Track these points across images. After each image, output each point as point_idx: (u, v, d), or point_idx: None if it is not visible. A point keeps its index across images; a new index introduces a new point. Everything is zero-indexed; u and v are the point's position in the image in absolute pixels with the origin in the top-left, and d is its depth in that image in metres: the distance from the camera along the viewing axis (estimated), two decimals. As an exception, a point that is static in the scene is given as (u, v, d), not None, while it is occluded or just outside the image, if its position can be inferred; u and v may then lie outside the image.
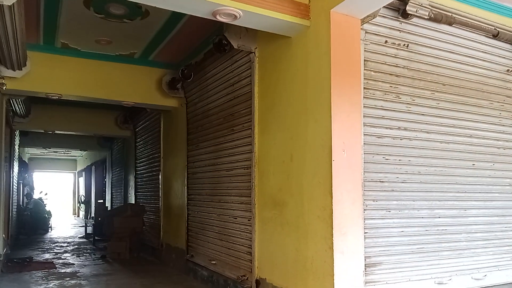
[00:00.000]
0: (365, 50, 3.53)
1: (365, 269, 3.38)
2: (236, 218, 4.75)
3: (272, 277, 4.00)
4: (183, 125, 6.35)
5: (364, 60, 3.51)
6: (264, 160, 4.21)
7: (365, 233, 3.41)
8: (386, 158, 3.63)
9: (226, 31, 4.17)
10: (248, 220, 4.45)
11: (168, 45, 5.77)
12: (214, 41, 4.59)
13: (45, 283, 5.79)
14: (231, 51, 4.66)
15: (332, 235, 3.17)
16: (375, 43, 3.63)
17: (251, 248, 4.36)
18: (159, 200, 7.58)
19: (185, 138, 6.27)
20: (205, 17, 3.44)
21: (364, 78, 3.49)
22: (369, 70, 3.56)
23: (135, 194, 9.44)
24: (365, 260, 3.38)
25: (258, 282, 4.21)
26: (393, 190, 3.67)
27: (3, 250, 6.61)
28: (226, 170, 5.02)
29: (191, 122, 6.13)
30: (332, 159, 3.18)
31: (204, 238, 5.63)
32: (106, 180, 13.41)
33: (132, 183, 9.73)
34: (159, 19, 4.95)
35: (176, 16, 4.80)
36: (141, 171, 9.07)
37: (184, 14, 4.58)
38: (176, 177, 6.76)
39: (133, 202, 9.39)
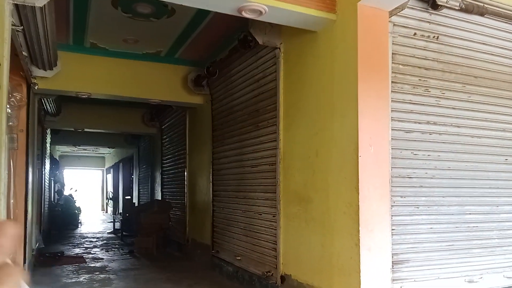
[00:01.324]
0: (393, 43, 3.45)
1: (392, 266, 3.32)
2: (261, 214, 4.76)
3: (297, 273, 3.99)
4: (208, 122, 6.41)
5: (392, 53, 3.44)
6: (289, 156, 4.19)
7: (392, 229, 3.34)
8: (415, 153, 3.55)
9: (251, 27, 4.17)
10: (273, 216, 4.44)
11: (194, 43, 5.82)
12: (239, 38, 4.60)
13: (75, 277, 5.96)
14: (256, 47, 4.66)
15: (358, 231, 3.13)
16: (404, 36, 3.54)
17: (276, 244, 4.36)
18: (184, 197, 7.68)
19: (210, 134, 6.32)
20: (231, 14, 3.45)
21: (392, 72, 3.42)
22: (397, 63, 3.49)
23: (161, 190, 9.59)
24: (392, 257, 3.32)
25: (283, 278, 4.21)
26: (421, 186, 3.58)
27: (36, 244, 6.84)
28: (251, 167, 5.03)
29: (216, 119, 6.18)
30: (359, 155, 3.14)
31: (229, 234, 5.67)
32: (133, 176, 13.66)
33: (158, 180, 9.89)
34: (185, 17, 5.00)
35: (201, 14, 4.84)
36: (167, 168, 9.20)
37: (209, 11, 4.61)
38: (201, 174, 6.83)
39: (160, 198, 9.54)
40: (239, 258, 5.25)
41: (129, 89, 6.38)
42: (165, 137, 9.48)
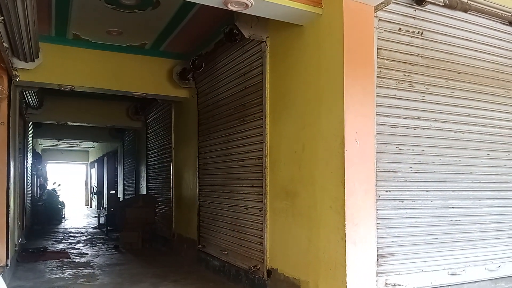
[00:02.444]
0: (378, 38, 3.47)
1: (378, 259, 3.37)
2: (247, 209, 4.76)
3: (284, 267, 4.00)
4: (194, 116, 6.36)
5: (378, 48, 3.46)
6: (275, 150, 4.19)
7: (377, 223, 3.38)
8: (400, 148, 3.59)
9: (237, 20, 4.14)
10: (260, 211, 4.45)
11: (179, 36, 5.75)
12: (225, 31, 4.56)
13: (60, 273, 5.89)
14: (242, 41, 4.62)
15: (344, 225, 3.16)
16: (389, 31, 3.56)
17: (262, 238, 4.37)
18: (170, 191, 7.63)
19: (196, 129, 6.28)
20: (216, 6, 3.42)
21: (377, 67, 3.43)
22: (383, 58, 3.51)
23: (146, 185, 9.51)
24: (377, 250, 3.36)
25: (269, 272, 4.22)
26: (406, 180, 3.63)
27: (19, 240, 6.72)
28: (237, 161, 5.02)
29: (202, 113, 6.13)
30: (345, 149, 3.16)
31: (215, 229, 5.66)
32: (118, 171, 13.53)
33: (143, 174, 9.81)
34: (170, 9, 4.93)
35: (186, 6, 4.77)
36: (153, 162, 9.13)
37: (195, 4, 4.54)
38: (187, 168, 6.79)
39: (145, 193, 9.47)
40: (225, 252, 5.24)
41: (113, 82, 6.29)
42: (150, 131, 9.39)
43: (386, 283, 3.44)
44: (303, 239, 3.67)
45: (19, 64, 5.28)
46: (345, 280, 3.14)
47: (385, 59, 3.53)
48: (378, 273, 3.37)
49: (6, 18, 3.80)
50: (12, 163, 5.52)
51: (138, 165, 10.57)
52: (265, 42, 4.31)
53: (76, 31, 5.65)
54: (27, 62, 5.30)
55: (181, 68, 6.31)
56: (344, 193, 3.15)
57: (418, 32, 3.71)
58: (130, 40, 5.98)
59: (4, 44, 4.39)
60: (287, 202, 3.95)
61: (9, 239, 5.23)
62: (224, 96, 5.39)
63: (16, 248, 6.35)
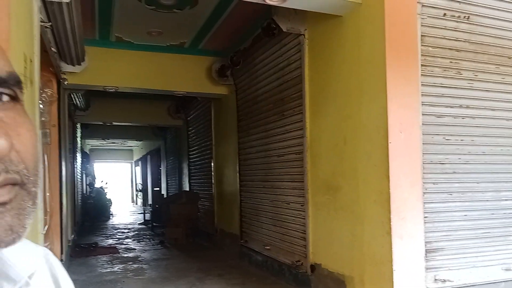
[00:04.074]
0: (421, 25, 3.33)
1: (426, 254, 3.25)
2: (289, 204, 4.74)
3: (328, 262, 3.96)
4: (233, 112, 6.41)
5: (421, 35, 3.32)
6: (316, 144, 4.14)
7: (425, 217, 3.27)
8: (447, 138, 3.44)
9: (275, 15, 4.12)
10: (301, 206, 4.42)
11: (217, 33, 5.81)
12: (262, 26, 4.55)
13: (110, 267, 6.13)
14: (280, 35, 4.60)
15: (389, 219, 3.07)
16: (433, 17, 3.41)
17: (305, 233, 4.34)
18: (212, 187, 7.75)
19: (236, 125, 6.32)
20: (254, 1, 3.41)
21: (421, 55, 3.30)
22: (427, 45, 3.36)
23: (189, 181, 9.71)
24: (425, 245, 3.24)
25: (313, 267, 4.19)
26: (454, 172, 3.47)
27: (72, 236, 7.06)
28: (278, 156, 5.01)
29: (241, 109, 6.17)
30: (389, 141, 3.07)
31: (257, 224, 5.69)
32: (161, 168, 13.89)
33: (186, 171, 10.01)
34: (208, 7, 4.99)
35: (224, 3, 4.81)
36: (194, 159, 9.30)
37: (232, 0, 4.58)
38: (228, 164, 6.86)
39: (188, 189, 9.67)
40: (268, 247, 5.26)
41: (154, 81, 6.44)
42: (191, 128, 9.56)
43: (435, 279, 3.32)
44: (347, 233, 3.61)
45: (66, 67, 5.51)
46: (392, 275, 3.06)
47: (430, 46, 3.39)
48: (427, 269, 3.26)
49: (53, 24, 3.97)
50: (63, 163, 5.79)
51: (180, 163, 10.81)
52: (304, 35, 4.26)
53: (118, 34, 5.84)
54: (74, 66, 5.52)
55: (220, 65, 6.37)
56: (389, 186, 3.06)
57: (464, 16, 3.52)
58: (169, 39, 6.11)
59: (53, 49, 4.60)
60: (329, 197, 3.90)
61: (63, 235, 5.50)
62: (263, 91, 5.39)
63: (70, 244, 6.67)
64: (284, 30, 4.20)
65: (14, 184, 0.38)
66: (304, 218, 4.36)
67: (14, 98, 0.41)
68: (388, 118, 3.07)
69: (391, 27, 3.12)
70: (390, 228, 3.06)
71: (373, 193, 3.24)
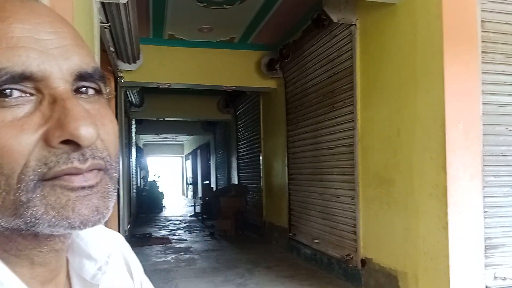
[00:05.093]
0: (482, 10, 3.16)
1: (485, 251, 3.10)
2: (338, 197, 4.69)
3: (379, 256, 3.88)
4: (282, 106, 6.41)
5: (481, 21, 3.15)
6: (367, 136, 4.06)
7: (484, 212, 3.11)
8: (510, 129, 3.25)
9: (325, 5, 4.07)
10: (352, 199, 4.36)
11: (266, 27, 5.83)
12: (312, 17, 4.51)
13: (164, 257, 6.37)
14: (330, 26, 4.53)
15: (446, 214, 2.96)
16: (494, 1, 3.22)
17: (355, 227, 4.28)
18: (260, 180, 7.81)
19: (284, 118, 6.33)
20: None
21: (481, 41, 3.14)
22: (488, 31, 3.19)
23: (237, 175, 9.85)
24: (485, 241, 3.09)
25: (363, 261, 4.13)
26: (518, 165, 3.28)
27: (127, 226, 7.41)
28: (327, 149, 4.96)
29: (290, 102, 6.16)
30: (446, 132, 2.95)
31: (306, 217, 5.68)
32: (211, 162, 14.18)
33: (234, 165, 10.16)
34: (258, 1, 5.01)
35: (273, -4, 4.81)
36: (243, 153, 9.41)
37: (281, -7, 4.57)
38: (276, 157, 6.89)
39: (236, 182, 9.81)
40: (317, 241, 5.24)
41: (205, 77, 6.58)
42: (239, 122, 9.68)
43: (495, 277, 3.16)
44: (400, 228, 3.52)
45: (123, 66, 5.77)
46: (448, 271, 2.96)
47: (491, 32, 3.21)
48: (486, 266, 3.11)
49: (111, 24, 4.17)
50: (120, 157, 6.06)
51: (229, 156, 10.98)
52: (355, 25, 4.17)
53: (171, 31, 6.02)
54: (130, 64, 5.77)
55: (269, 59, 6.38)
56: (446, 179, 2.95)
57: (530, -1, 3.30)
58: (220, 35, 6.20)
59: (111, 48, 4.83)
60: (381, 190, 3.82)
61: (120, 226, 5.79)
62: (312, 83, 5.35)
63: (126, 234, 6.99)
64: (335, 20, 4.14)
65: (99, 169, 0.41)
66: (354, 212, 4.30)
67: (99, 92, 0.44)
68: (446, 108, 2.95)
69: (448, 13, 2.99)
70: (446, 222, 2.95)
71: (429, 186, 3.13)
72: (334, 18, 4.09)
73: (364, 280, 4.13)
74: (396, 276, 3.59)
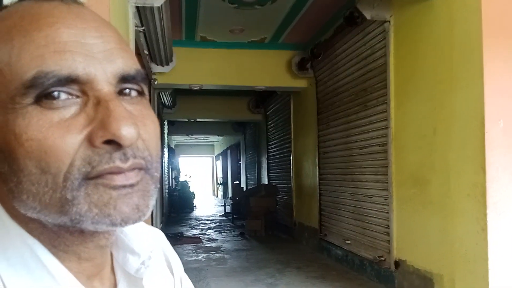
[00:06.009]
0: (524, 4, 3.04)
1: (528, 254, 2.97)
2: (371, 198, 4.61)
3: (413, 258, 3.79)
4: (313, 105, 6.37)
5: (523, 15, 3.03)
6: (401, 135, 3.97)
7: (526, 214, 2.98)
8: (555, 127, 3.10)
9: (358, 3, 4.01)
10: (385, 200, 4.27)
11: (297, 26, 5.81)
12: (345, 15, 4.46)
13: (195, 255, 6.45)
14: (363, 23, 4.46)
15: (485, 215, 2.86)
16: (538, -6, 3.09)
17: (388, 228, 4.19)
18: (290, 180, 7.79)
19: (315, 117, 6.28)
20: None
21: (523, 36, 3.01)
22: (530, 26, 3.06)
23: (267, 175, 9.85)
24: (527, 244, 2.96)
25: (397, 263, 4.04)
26: None
27: (160, 225, 7.55)
28: (359, 148, 4.89)
29: (321, 101, 6.11)
30: (485, 130, 2.85)
31: (337, 218, 5.61)
32: (241, 162, 14.26)
33: (264, 165, 10.17)
34: (289, 1, 5.01)
35: (304, -4, 4.79)
36: (273, 153, 9.41)
37: (313, -8, 4.54)
38: (307, 157, 6.84)
39: (266, 183, 9.82)
40: (348, 242, 5.17)
41: (236, 78, 6.62)
42: (270, 122, 9.69)
43: (538, 282, 3.02)
44: (435, 229, 3.42)
45: (156, 68, 5.89)
46: (487, 275, 2.85)
47: (534, 26, 3.07)
48: (529, 270, 2.98)
49: (145, 28, 4.27)
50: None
51: (259, 157, 11.00)
52: (389, 21, 4.10)
53: (203, 33, 6.09)
54: (163, 66, 5.89)
55: (300, 58, 6.36)
56: (485, 179, 2.84)
57: None
58: (251, 36, 6.23)
59: (145, 51, 4.95)
60: (415, 190, 3.72)
61: (153, 225, 5.91)
62: (344, 82, 5.29)
63: (158, 232, 7.13)
64: (368, 18, 4.07)
65: (140, 168, 0.42)
66: (387, 213, 4.21)
67: (141, 93, 0.45)
68: (485, 105, 2.85)
69: (488, 7, 2.89)
70: (486, 224, 2.85)
71: (467, 186, 3.03)
72: (368, 15, 4.03)
73: (398, 282, 4.04)
74: (431, 279, 3.49)
